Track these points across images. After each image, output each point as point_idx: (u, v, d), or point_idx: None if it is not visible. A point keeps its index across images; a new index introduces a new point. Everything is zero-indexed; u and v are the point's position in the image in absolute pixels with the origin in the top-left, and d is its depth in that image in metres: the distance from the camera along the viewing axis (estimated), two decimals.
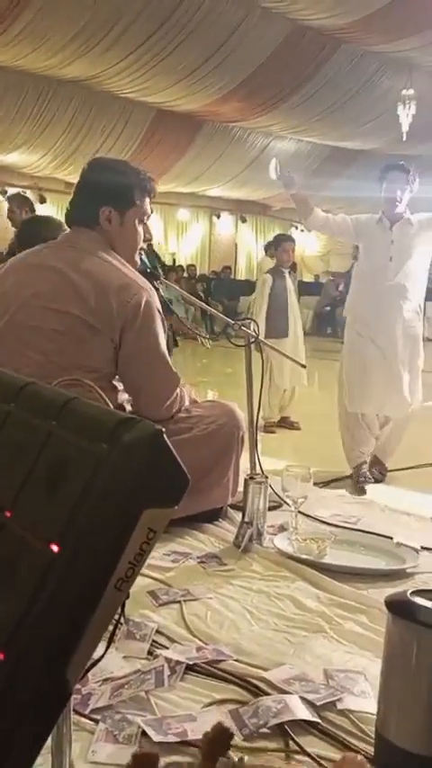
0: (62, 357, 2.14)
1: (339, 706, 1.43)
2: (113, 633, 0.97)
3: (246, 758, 0.87)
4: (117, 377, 2.28)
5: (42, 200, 13.65)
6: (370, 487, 3.36)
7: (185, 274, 14.60)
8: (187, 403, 2.43)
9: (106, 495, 0.81)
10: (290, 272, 5.25)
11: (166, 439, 0.84)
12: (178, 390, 2.36)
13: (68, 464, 0.85)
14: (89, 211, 2.29)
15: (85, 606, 0.80)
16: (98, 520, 0.81)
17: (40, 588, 0.79)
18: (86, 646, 0.82)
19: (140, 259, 2.53)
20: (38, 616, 0.79)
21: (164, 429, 0.85)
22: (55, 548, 0.81)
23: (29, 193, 14.14)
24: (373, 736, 1.29)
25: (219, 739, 0.85)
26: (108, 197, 2.29)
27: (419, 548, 2.26)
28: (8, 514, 0.90)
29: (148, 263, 2.62)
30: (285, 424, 5.03)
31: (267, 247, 13.54)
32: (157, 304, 2.27)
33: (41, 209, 12.82)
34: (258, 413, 2.51)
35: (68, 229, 2.40)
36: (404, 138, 11.90)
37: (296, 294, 5.29)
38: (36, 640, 0.78)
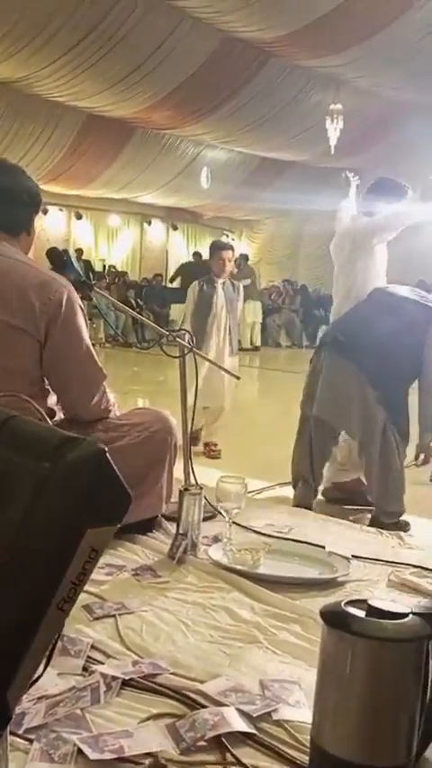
0: None
1: (275, 716, 1.44)
2: (51, 652, 0.95)
3: None
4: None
5: None
6: None
7: (117, 280, 14.51)
8: (115, 408, 2.42)
9: (49, 515, 0.81)
10: (224, 284, 4.78)
11: (108, 457, 0.84)
12: (104, 386, 2.36)
13: (10, 483, 0.84)
14: (22, 217, 2.27)
15: (27, 628, 0.80)
16: (41, 540, 0.80)
17: None
18: (28, 667, 0.81)
19: (74, 267, 2.51)
20: None
21: (106, 449, 0.85)
22: None
23: None
24: (308, 745, 1.31)
25: None
26: (33, 202, 2.29)
27: (350, 556, 2.31)
28: None
29: (81, 273, 2.60)
30: (205, 450, 4.67)
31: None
32: (78, 300, 2.27)
33: None
34: (192, 424, 2.52)
35: None
36: (332, 152, 12.18)
37: (230, 306, 4.79)
38: None
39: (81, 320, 2.25)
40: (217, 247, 4.92)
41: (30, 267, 2.21)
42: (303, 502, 3.17)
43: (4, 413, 0.93)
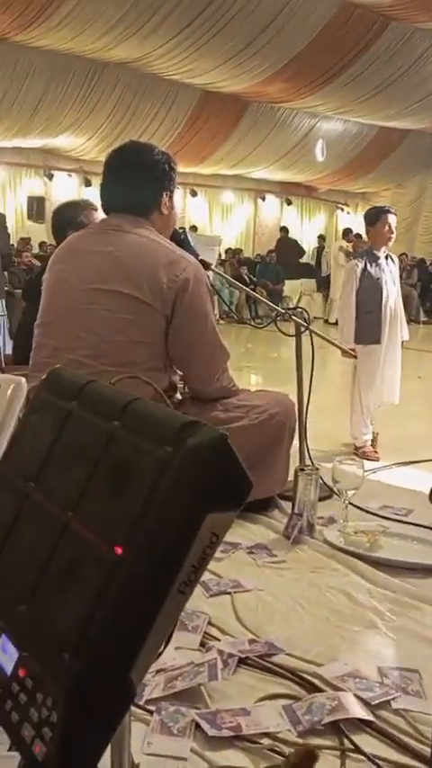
0: (116, 337, 2.17)
1: (394, 705, 1.41)
2: (172, 631, 0.96)
3: None
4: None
5: (88, 184, 13.69)
6: (420, 478, 3.31)
7: (231, 257, 14.51)
8: (236, 389, 2.42)
9: (170, 500, 0.81)
10: (388, 257, 3.90)
11: (230, 443, 0.83)
12: (227, 366, 2.38)
13: (132, 466, 0.85)
14: (150, 197, 2.30)
15: (148, 610, 0.80)
16: (162, 524, 0.81)
17: (104, 591, 0.80)
18: (150, 648, 0.82)
19: (190, 246, 2.52)
20: (103, 619, 0.79)
21: (228, 434, 0.84)
22: (119, 551, 0.81)
23: (74, 176, 14.26)
24: (428, 737, 1.28)
25: (302, 764, 0.84)
26: (162, 179, 2.31)
27: None
28: (70, 515, 0.90)
29: (197, 251, 2.61)
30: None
31: (347, 232, 13.05)
32: (205, 279, 2.30)
33: (87, 193, 12.88)
34: (308, 403, 2.49)
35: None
36: None
37: (394, 283, 3.91)
38: (102, 643, 0.79)
39: (207, 299, 2.28)
40: (381, 212, 3.92)
41: (159, 245, 2.25)
42: None
43: (126, 395, 0.94)
